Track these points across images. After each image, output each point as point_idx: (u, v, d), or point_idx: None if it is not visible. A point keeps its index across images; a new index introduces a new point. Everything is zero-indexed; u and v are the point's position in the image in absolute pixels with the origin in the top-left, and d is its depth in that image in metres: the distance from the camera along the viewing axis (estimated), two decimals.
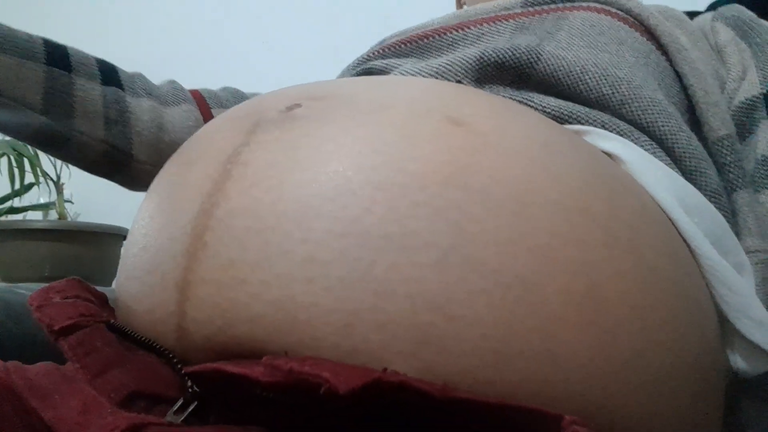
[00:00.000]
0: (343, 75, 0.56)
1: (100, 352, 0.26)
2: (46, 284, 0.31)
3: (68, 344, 0.26)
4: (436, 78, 0.43)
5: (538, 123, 0.30)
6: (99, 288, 0.39)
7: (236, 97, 0.67)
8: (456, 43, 0.48)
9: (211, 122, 0.33)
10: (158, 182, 0.31)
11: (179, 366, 0.25)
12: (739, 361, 0.32)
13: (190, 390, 0.24)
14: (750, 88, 0.43)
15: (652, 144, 0.37)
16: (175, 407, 0.23)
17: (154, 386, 0.25)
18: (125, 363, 0.26)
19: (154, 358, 0.26)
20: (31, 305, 0.28)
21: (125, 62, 1.47)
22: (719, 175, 0.39)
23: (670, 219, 0.31)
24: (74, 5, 1.55)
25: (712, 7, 0.63)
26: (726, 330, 0.31)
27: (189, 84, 1.41)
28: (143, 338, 0.27)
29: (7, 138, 1.01)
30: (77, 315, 0.27)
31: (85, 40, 1.52)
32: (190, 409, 0.23)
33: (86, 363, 0.25)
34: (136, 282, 0.28)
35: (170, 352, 0.25)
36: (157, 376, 0.25)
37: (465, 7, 0.62)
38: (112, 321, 0.28)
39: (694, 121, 0.42)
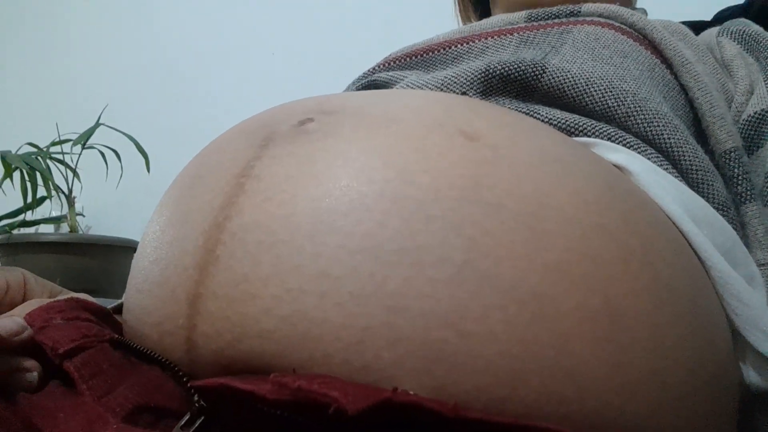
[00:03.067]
0: (348, 90, 0.56)
1: (106, 372, 0.26)
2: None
3: (74, 366, 0.26)
4: (442, 90, 0.43)
5: (551, 137, 0.30)
6: (109, 301, 0.39)
7: None
8: (461, 57, 0.48)
9: (221, 136, 0.33)
10: (169, 195, 0.31)
11: (185, 380, 0.24)
12: (752, 375, 0.31)
13: (196, 405, 0.23)
14: (758, 102, 0.43)
15: (658, 156, 0.37)
16: (182, 422, 0.23)
17: (159, 399, 0.24)
18: (130, 378, 0.25)
19: (159, 372, 0.26)
20: (32, 326, 0.28)
21: (133, 71, 1.49)
22: (727, 187, 0.39)
23: (680, 231, 0.31)
24: (80, 14, 1.57)
25: (716, 20, 0.63)
26: (738, 343, 0.31)
27: (196, 95, 1.42)
28: (149, 352, 0.26)
29: (20, 152, 1.02)
30: (80, 336, 0.27)
31: (92, 49, 1.54)
32: (197, 424, 0.23)
33: (92, 384, 0.25)
34: (145, 295, 0.27)
35: (176, 366, 0.25)
36: (163, 390, 0.25)
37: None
38: (116, 337, 0.28)
39: (701, 134, 0.42)
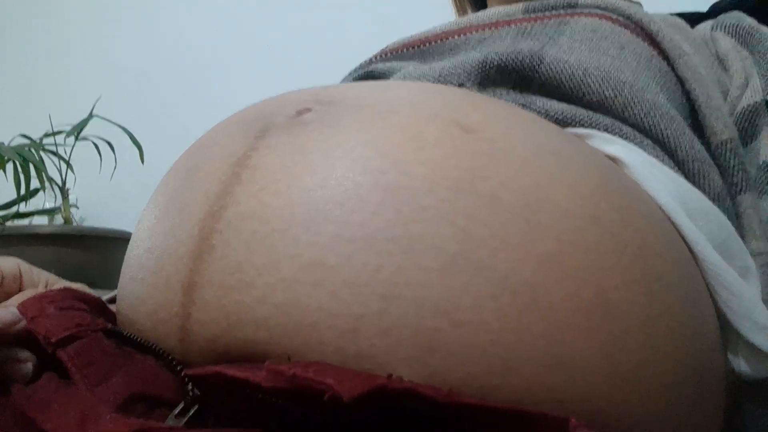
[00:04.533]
0: (345, 80, 0.56)
1: (100, 361, 0.26)
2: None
3: (67, 355, 0.26)
4: (439, 81, 0.43)
5: (546, 129, 0.30)
6: (104, 292, 0.39)
7: None
8: (458, 48, 0.48)
9: (218, 125, 0.33)
10: (164, 184, 0.31)
11: (179, 368, 0.24)
12: (742, 365, 0.32)
13: (190, 393, 0.23)
14: (753, 95, 0.43)
15: (654, 148, 0.37)
16: (176, 411, 0.23)
17: (153, 389, 0.25)
18: (124, 368, 0.25)
19: (154, 361, 0.26)
20: (25, 315, 0.28)
21: (126, 63, 1.48)
22: (723, 178, 0.39)
23: (673, 223, 0.31)
24: (79, 10, 1.56)
25: (712, 12, 0.63)
26: (729, 333, 0.31)
27: (190, 87, 1.41)
28: (142, 341, 0.26)
29: (13, 144, 1.01)
30: (74, 325, 0.27)
31: (85, 40, 1.53)
32: (191, 413, 0.23)
33: (86, 373, 0.25)
34: (140, 283, 0.28)
35: (170, 355, 0.25)
36: (157, 379, 0.25)
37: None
38: (110, 326, 0.28)
39: (697, 126, 0.42)
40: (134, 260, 0.29)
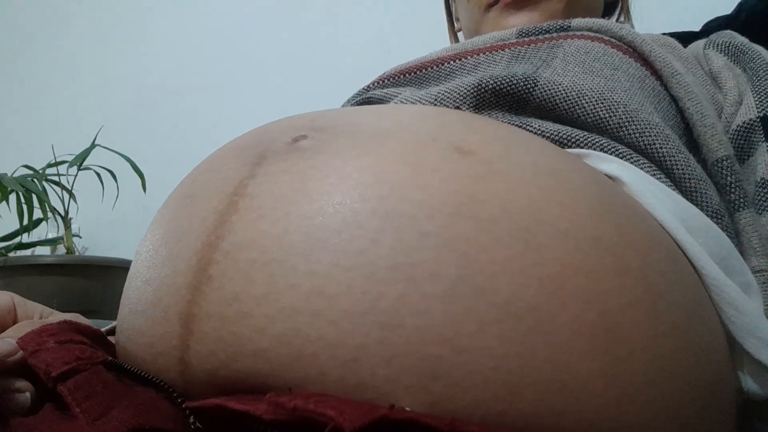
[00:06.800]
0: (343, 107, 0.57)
1: (100, 395, 0.25)
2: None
3: (67, 389, 0.25)
4: (435, 105, 0.43)
5: (544, 149, 0.30)
6: (107, 322, 0.39)
7: None
8: (453, 73, 0.48)
9: (214, 153, 0.33)
10: (162, 214, 0.31)
11: (180, 401, 0.24)
12: (749, 383, 0.31)
13: (192, 426, 0.23)
14: (747, 112, 0.43)
15: (651, 166, 0.37)
16: None
17: (154, 421, 0.24)
18: (125, 400, 0.25)
19: (154, 393, 0.26)
20: (24, 349, 0.28)
21: (127, 92, 1.49)
22: (720, 196, 0.39)
23: (674, 240, 0.31)
24: (75, 36, 1.58)
25: (705, 31, 0.64)
26: (735, 351, 0.31)
27: (191, 114, 1.42)
28: (142, 373, 0.26)
29: (16, 174, 1.02)
30: (74, 359, 0.27)
31: (87, 71, 1.54)
32: None
33: (86, 407, 0.25)
34: (139, 315, 0.27)
35: (170, 387, 0.25)
36: (158, 411, 0.25)
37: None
38: (110, 359, 0.28)
39: (692, 144, 0.42)
40: (133, 292, 0.29)
